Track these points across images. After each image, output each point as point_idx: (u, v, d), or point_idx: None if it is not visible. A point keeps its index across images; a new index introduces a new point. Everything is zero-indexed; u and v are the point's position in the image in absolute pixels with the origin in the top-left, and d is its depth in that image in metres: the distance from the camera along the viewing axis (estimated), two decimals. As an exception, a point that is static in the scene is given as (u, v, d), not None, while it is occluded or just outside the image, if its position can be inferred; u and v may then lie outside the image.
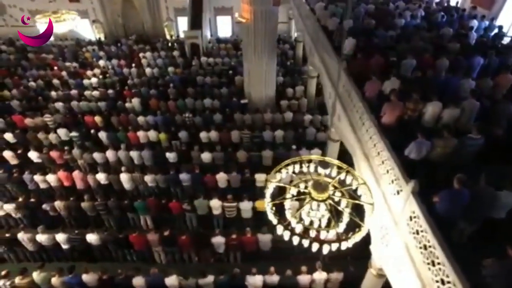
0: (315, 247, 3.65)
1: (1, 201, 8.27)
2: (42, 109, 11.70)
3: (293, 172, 4.11)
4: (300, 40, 14.57)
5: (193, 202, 7.79)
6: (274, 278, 6.40)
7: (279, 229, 3.77)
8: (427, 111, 5.34)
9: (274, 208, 3.95)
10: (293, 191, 4.17)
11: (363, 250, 6.82)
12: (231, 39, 17.89)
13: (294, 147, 9.13)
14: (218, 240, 7.05)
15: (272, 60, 10.94)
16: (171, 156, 9.29)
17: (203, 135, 9.94)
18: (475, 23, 9.08)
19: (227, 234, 7.16)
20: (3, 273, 6.31)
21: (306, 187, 4.01)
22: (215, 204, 7.70)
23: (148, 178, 8.53)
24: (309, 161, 4.09)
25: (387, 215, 4.63)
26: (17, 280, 6.16)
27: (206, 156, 9.16)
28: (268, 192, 4.08)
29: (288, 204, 4.32)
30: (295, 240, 3.72)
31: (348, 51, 7.79)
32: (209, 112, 11.15)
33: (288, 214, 4.16)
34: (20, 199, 8.16)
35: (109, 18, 18.04)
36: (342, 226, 3.94)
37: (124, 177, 8.53)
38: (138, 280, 6.26)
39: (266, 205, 3.98)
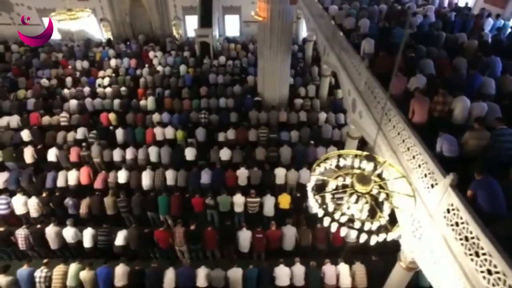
0: (363, 237, 3.74)
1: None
2: (57, 108, 11.75)
3: (336, 166, 4.21)
4: (311, 40, 14.71)
5: (216, 197, 7.88)
6: (300, 269, 6.56)
7: (326, 221, 3.86)
8: (455, 108, 5.47)
9: (319, 198, 4.04)
10: (334, 184, 4.27)
11: (384, 245, 7.05)
12: (240, 40, 17.91)
13: (312, 142, 9.25)
14: (244, 233, 7.16)
15: (287, 58, 11.08)
16: (189, 153, 9.37)
17: (220, 133, 10.03)
18: (490, 21, 9.24)
19: (252, 229, 7.28)
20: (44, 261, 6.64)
21: (346, 180, 4.11)
22: (238, 199, 7.82)
23: (169, 175, 8.61)
24: (355, 155, 4.19)
25: (420, 209, 4.75)
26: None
27: (225, 153, 9.27)
28: (311, 183, 4.17)
29: (328, 197, 4.41)
30: (343, 232, 3.81)
31: (368, 50, 7.91)
32: (224, 110, 11.23)
33: (330, 206, 4.25)
34: (44, 195, 8.18)
35: (117, 17, 18.03)
36: (385, 219, 4.05)
37: (146, 175, 8.61)
38: (169, 272, 6.39)
39: (310, 197, 4.07)
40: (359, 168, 4.23)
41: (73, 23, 11.14)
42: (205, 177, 8.58)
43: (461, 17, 9.68)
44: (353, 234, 3.78)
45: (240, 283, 6.41)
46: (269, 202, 7.88)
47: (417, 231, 4.94)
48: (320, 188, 4.56)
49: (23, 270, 6.54)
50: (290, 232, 7.24)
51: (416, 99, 5.68)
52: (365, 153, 4.13)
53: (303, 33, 17.30)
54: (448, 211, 4.13)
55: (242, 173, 8.62)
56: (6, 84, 13.13)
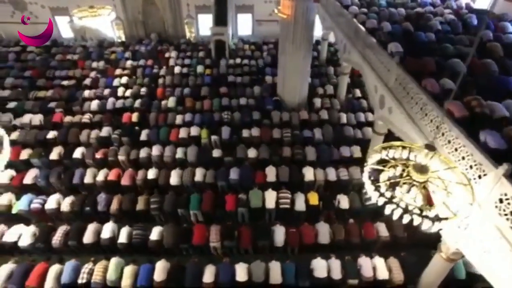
0: (426, 224, 3.84)
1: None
2: (78, 107, 11.85)
3: (393, 158, 4.34)
4: (326, 39, 14.86)
5: (248, 192, 7.99)
6: (336, 262, 6.73)
7: (388, 209, 3.97)
8: (493, 110, 5.62)
9: (375, 184, 4.14)
10: (389, 173, 4.38)
11: (415, 240, 7.22)
12: (255, 40, 17.93)
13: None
14: (278, 229, 7.30)
15: (309, 56, 11.26)
16: (215, 151, 9.49)
17: (245, 132, 10.19)
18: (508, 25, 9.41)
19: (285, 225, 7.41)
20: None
21: (404, 170, 4.24)
22: (270, 194, 7.95)
23: (198, 173, 8.72)
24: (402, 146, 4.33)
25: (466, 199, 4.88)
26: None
27: (251, 151, 9.40)
28: (366, 170, 4.29)
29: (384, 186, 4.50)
30: (406, 219, 3.91)
31: (396, 49, 8.05)
32: (246, 109, 11.37)
33: (387, 194, 4.34)
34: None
35: (129, 16, 18.03)
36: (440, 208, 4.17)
37: (175, 173, 8.74)
38: (209, 268, 6.50)
39: (368, 185, 4.17)
40: (408, 159, 4.38)
41: (95, 20, 11.23)
42: (234, 174, 8.71)
43: (481, 19, 9.84)
44: (419, 220, 3.87)
45: (280, 276, 6.53)
46: (300, 198, 8.02)
47: (462, 221, 5.07)
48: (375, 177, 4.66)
49: (71, 262, 6.80)
50: (323, 228, 7.38)
51: (451, 103, 5.79)
52: (425, 143, 4.26)
53: (315, 32, 17.43)
54: (501, 201, 4.28)
55: (271, 170, 8.76)
56: (26, 83, 13.18)
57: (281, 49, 11.39)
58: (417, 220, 3.90)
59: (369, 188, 4.21)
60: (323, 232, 7.35)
